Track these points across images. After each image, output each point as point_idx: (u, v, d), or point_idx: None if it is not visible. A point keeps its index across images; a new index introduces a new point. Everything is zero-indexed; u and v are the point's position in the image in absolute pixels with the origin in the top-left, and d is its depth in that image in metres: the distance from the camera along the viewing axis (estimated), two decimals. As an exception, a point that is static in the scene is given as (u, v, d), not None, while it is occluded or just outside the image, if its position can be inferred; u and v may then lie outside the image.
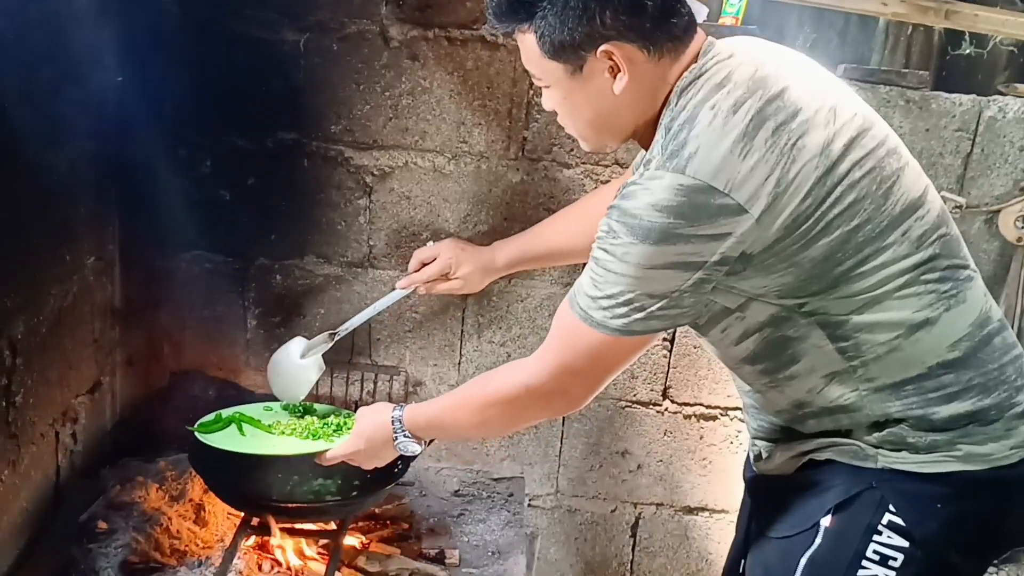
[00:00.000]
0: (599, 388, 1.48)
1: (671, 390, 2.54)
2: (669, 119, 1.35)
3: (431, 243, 2.09)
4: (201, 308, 2.48)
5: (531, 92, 2.29)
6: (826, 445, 1.45)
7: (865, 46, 2.62)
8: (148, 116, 2.22)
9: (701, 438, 2.57)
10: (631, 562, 2.71)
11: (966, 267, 1.42)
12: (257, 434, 1.96)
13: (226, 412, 2.01)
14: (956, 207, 2.37)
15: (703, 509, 2.64)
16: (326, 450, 1.83)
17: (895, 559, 1.37)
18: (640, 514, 2.66)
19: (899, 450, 1.38)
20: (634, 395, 2.55)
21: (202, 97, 2.26)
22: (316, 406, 2.12)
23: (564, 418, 2.56)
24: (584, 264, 1.43)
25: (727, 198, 1.26)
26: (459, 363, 2.50)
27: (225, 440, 1.91)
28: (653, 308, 1.33)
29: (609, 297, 1.34)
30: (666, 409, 2.56)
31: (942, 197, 2.32)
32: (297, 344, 2.14)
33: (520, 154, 2.34)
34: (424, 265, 2.06)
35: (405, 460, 2.10)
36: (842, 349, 1.36)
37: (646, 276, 1.31)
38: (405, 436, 1.69)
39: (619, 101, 1.39)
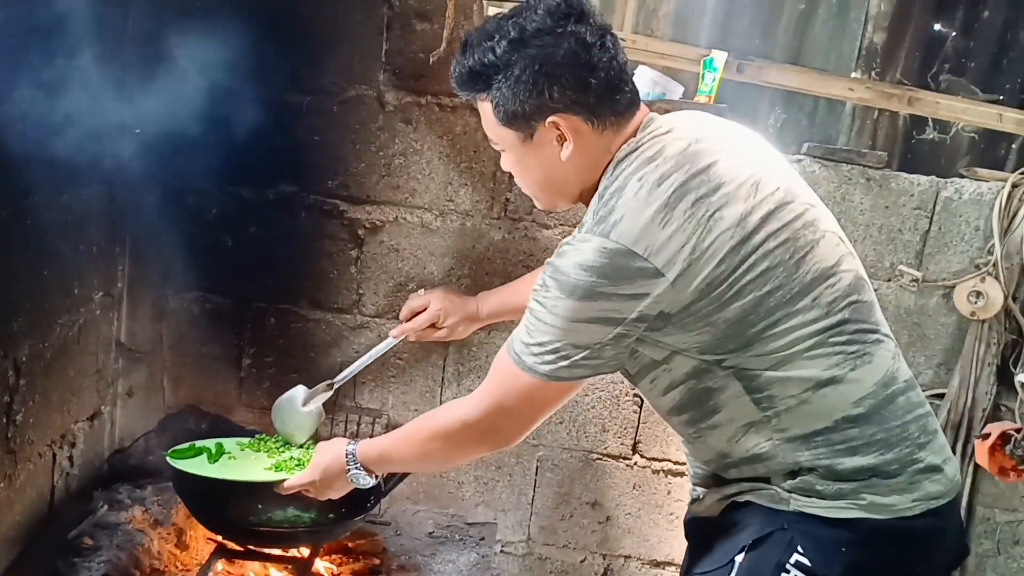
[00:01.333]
0: (530, 428, 1.60)
1: (640, 444, 2.65)
2: (604, 187, 1.48)
3: (422, 291, 2.24)
4: (200, 346, 2.63)
5: (514, 157, 2.47)
6: (747, 489, 1.55)
7: (833, 128, 2.77)
8: (160, 166, 2.41)
9: (668, 493, 2.67)
10: (599, 613, 2.78)
11: (876, 331, 1.52)
12: (225, 463, 2.11)
13: (200, 443, 2.17)
14: (913, 280, 2.50)
15: (669, 563, 2.72)
16: (283, 480, 1.96)
17: None
18: (609, 565, 2.74)
19: (809, 496, 1.48)
20: (605, 448, 2.66)
21: (211, 150, 2.44)
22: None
23: (537, 467, 2.68)
24: None
25: (645, 262, 1.39)
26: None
27: (192, 465, 2.08)
28: (577, 357, 1.45)
29: (539, 344, 1.47)
30: (635, 463, 2.67)
31: (900, 271, 2.49)
32: (299, 392, 2.24)
33: (503, 214, 2.51)
34: (415, 314, 2.20)
35: (377, 495, 2.23)
36: (757, 400, 1.47)
37: (571, 328, 1.44)
38: (357, 468, 1.81)
39: (565, 167, 1.53)
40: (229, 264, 2.56)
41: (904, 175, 2.49)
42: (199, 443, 2.16)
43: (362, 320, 2.58)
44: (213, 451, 2.13)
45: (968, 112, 2.63)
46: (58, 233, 2.14)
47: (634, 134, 1.53)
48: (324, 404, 2.22)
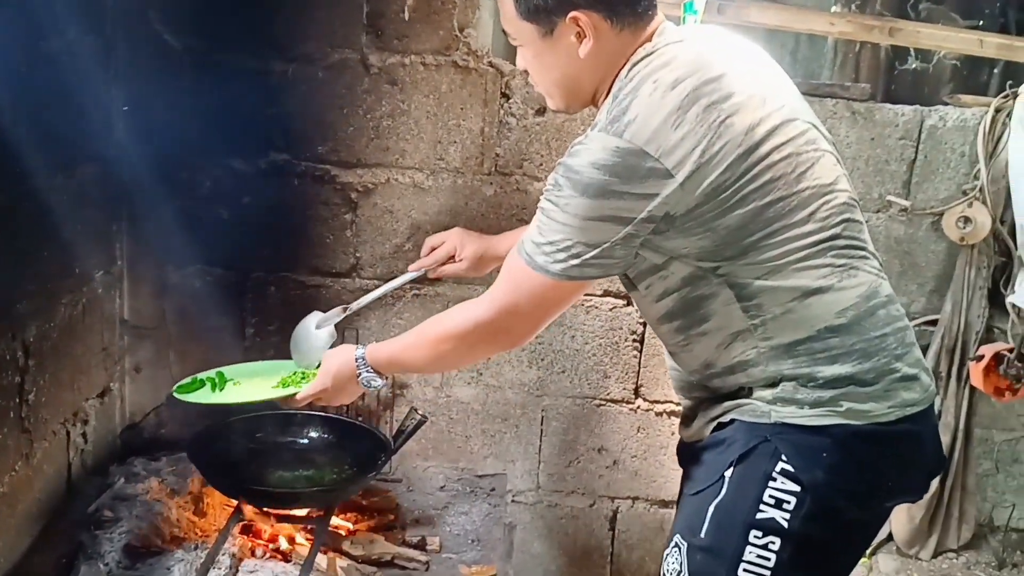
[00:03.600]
0: (540, 327, 1.66)
1: (643, 388, 2.70)
2: (618, 88, 1.52)
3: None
4: (203, 319, 2.66)
5: (501, 112, 2.49)
6: (731, 407, 1.61)
7: (816, 63, 2.79)
8: (152, 142, 2.43)
9: (672, 434, 2.72)
10: (611, 554, 2.85)
11: (863, 249, 1.58)
12: (230, 388, 2.15)
13: (203, 375, 2.19)
14: (902, 210, 2.53)
15: (676, 502, 2.77)
16: (295, 393, 1.98)
17: (788, 502, 1.52)
18: (617, 508, 2.80)
19: (789, 404, 1.54)
20: (607, 394, 2.70)
21: (201, 124, 2.46)
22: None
23: (542, 417, 2.72)
24: None
25: (657, 162, 1.43)
26: (442, 366, 2.67)
27: (200, 396, 2.12)
28: (588, 256, 1.49)
29: (551, 243, 1.51)
30: (639, 407, 2.71)
31: (888, 202, 2.51)
32: (313, 317, 2.25)
33: (493, 169, 2.53)
34: (433, 251, 2.22)
35: (387, 452, 2.27)
36: (746, 309, 1.53)
37: (583, 226, 1.48)
38: (368, 371, 1.85)
39: (583, 65, 1.56)
40: (226, 236, 2.58)
41: (888, 106, 2.51)
42: (201, 375, 2.19)
43: (361, 283, 2.60)
44: (216, 380, 2.17)
45: (949, 39, 2.64)
46: (56, 214, 2.17)
47: (649, 39, 1.56)
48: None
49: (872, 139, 2.51)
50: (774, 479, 1.52)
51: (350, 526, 2.35)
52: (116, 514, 2.20)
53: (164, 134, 2.43)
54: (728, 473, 1.57)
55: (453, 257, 2.20)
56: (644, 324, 2.64)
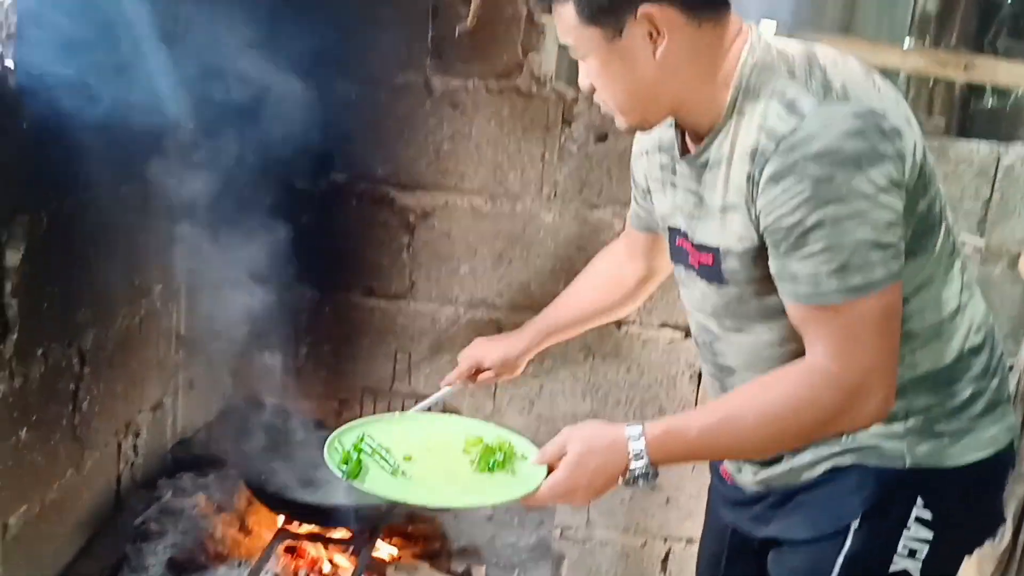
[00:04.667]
0: (895, 368, 1.32)
1: (699, 425, 2.62)
2: (779, 80, 1.30)
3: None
4: (257, 336, 2.67)
5: (563, 138, 2.47)
6: (850, 448, 1.44)
7: (888, 97, 2.72)
8: (216, 159, 2.45)
9: (729, 474, 2.64)
10: (661, 597, 2.76)
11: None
12: (408, 468, 1.56)
13: (348, 440, 1.60)
14: (977, 249, 2.44)
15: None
16: (531, 493, 1.42)
17: (920, 551, 1.41)
18: (670, 549, 2.72)
19: (924, 444, 1.41)
20: (662, 429, 2.63)
21: (264, 142, 2.48)
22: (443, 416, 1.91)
23: (594, 450, 2.66)
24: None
25: (889, 122, 1.27)
26: (494, 392, 2.64)
27: (391, 489, 1.50)
28: (898, 239, 1.27)
29: (854, 251, 1.25)
30: (694, 444, 2.64)
31: (963, 241, 2.41)
32: None
33: (552, 195, 2.50)
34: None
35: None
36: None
37: (879, 203, 1.24)
38: (643, 462, 1.35)
39: (660, 69, 1.34)
40: (284, 254, 2.58)
41: (963, 142, 2.44)
42: (344, 439, 1.60)
43: (415, 306, 2.59)
44: (383, 456, 1.57)
45: (1029, 76, 2.56)
46: (120, 225, 2.19)
47: (738, 37, 1.36)
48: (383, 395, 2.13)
49: (946, 176, 2.42)
50: (908, 528, 1.41)
51: (395, 552, 2.31)
52: (162, 528, 2.20)
53: (228, 152, 2.45)
54: (855, 524, 1.44)
55: (480, 369, 1.94)
56: (702, 358, 2.57)
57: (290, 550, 2.21)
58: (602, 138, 2.46)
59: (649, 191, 1.64)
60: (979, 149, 2.43)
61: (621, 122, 1.44)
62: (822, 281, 1.27)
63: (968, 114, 2.74)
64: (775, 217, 1.28)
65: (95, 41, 1.88)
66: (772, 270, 1.33)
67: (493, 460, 1.55)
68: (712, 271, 1.43)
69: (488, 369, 1.94)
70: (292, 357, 2.67)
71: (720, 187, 1.37)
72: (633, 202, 1.78)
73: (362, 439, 1.59)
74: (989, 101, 2.70)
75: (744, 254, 1.37)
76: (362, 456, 1.54)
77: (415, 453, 1.59)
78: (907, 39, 2.73)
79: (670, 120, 1.47)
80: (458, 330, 2.59)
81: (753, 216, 1.33)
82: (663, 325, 2.57)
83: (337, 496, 2.24)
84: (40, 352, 1.89)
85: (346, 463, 1.52)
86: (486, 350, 1.96)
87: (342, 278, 2.61)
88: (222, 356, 2.70)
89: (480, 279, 2.56)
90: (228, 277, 2.63)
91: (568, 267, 2.50)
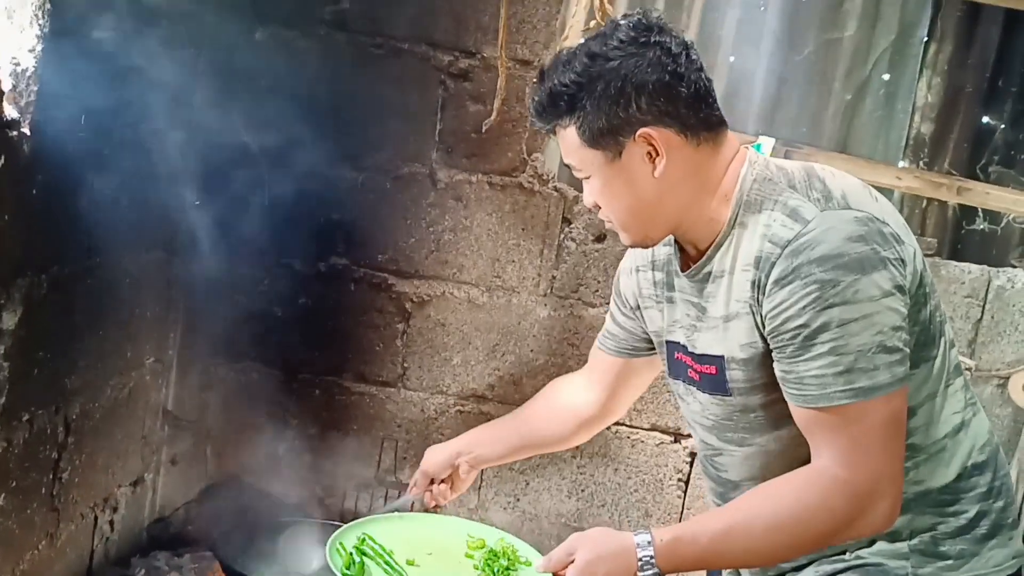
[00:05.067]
0: (901, 472, 1.33)
1: (684, 532, 2.59)
2: (780, 191, 1.35)
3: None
4: (245, 415, 2.65)
5: (562, 235, 2.50)
6: (852, 565, 1.41)
7: (881, 215, 2.78)
8: (217, 236, 2.47)
9: (713, 584, 2.59)
10: None
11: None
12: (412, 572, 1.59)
13: (349, 541, 1.60)
14: (967, 370, 2.45)
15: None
16: None
17: None
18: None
19: (928, 565, 1.39)
20: (647, 534, 2.60)
21: (266, 222, 2.51)
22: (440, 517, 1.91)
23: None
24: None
25: (890, 227, 1.31)
26: (479, 487, 2.61)
27: None
28: (902, 343, 1.28)
29: (860, 352, 1.26)
30: (679, 551, 2.60)
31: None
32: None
33: (549, 291, 2.53)
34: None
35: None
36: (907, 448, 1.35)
37: (884, 306, 1.26)
38: (650, 573, 1.34)
39: (659, 187, 1.39)
40: (278, 335, 2.60)
41: (955, 263, 2.49)
42: (345, 540, 1.61)
43: (406, 394, 2.58)
44: (388, 564, 1.57)
45: (1019, 203, 2.61)
46: (117, 295, 2.20)
47: (731, 162, 1.41)
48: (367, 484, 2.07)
49: (937, 294, 2.46)
50: None
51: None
52: (132, 607, 2.14)
53: (230, 229, 2.48)
54: None
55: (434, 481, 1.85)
56: (690, 463, 2.55)
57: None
58: (600, 238, 2.50)
59: (639, 308, 1.63)
60: (969, 270, 2.47)
61: (625, 239, 1.48)
62: (828, 383, 1.28)
63: (960, 236, 2.79)
64: (781, 320, 1.30)
65: (112, 114, 1.92)
66: (778, 374, 1.34)
67: (497, 567, 1.55)
68: (716, 381, 1.44)
69: (443, 481, 1.84)
70: (278, 440, 2.65)
71: (723, 297, 1.40)
72: (609, 322, 1.73)
73: (363, 541, 1.58)
74: (981, 225, 2.76)
75: (748, 361, 1.38)
76: (365, 559, 1.53)
77: (418, 557, 1.58)
78: (901, 161, 2.80)
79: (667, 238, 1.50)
80: (447, 420, 2.58)
81: (758, 321, 1.35)
82: (652, 428, 2.56)
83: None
84: (26, 418, 1.87)
85: (349, 568, 1.51)
86: (431, 458, 1.86)
87: (335, 362, 2.61)
88: (207, 434, 2.68)
89: (472, 370, 2.57)
90: (220, 354, 2.64)
91: (560, 363, 2.51)
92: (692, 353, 1.48)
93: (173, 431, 2.64)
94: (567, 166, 1.49)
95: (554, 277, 2.52)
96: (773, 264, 1.31)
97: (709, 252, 1.42)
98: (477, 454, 1.83)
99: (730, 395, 1.43)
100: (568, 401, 1.82)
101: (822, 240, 1.27)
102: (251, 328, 2.58)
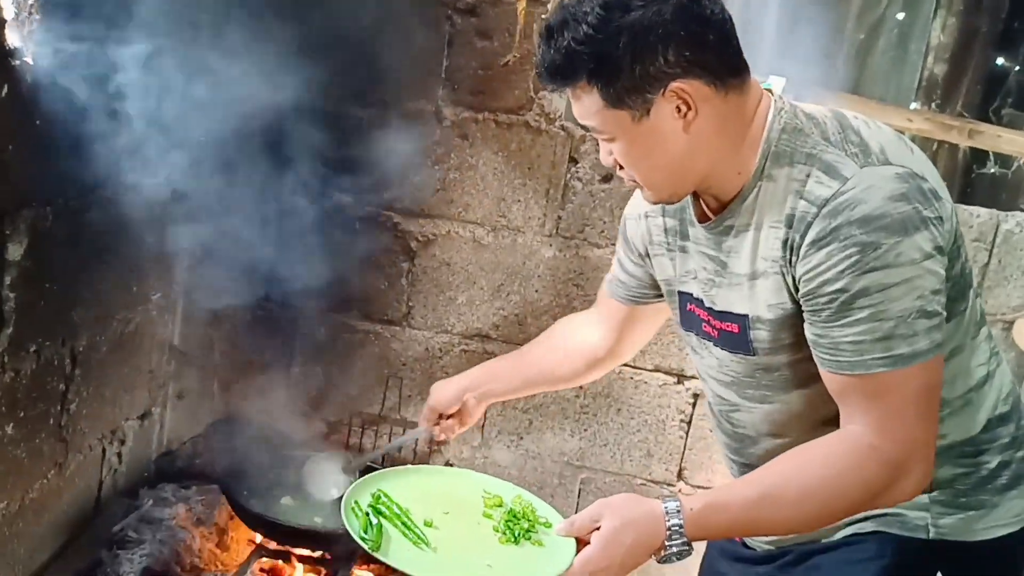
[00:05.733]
0: (934, 441, 1.30)
1: (686, 471, 2.62)
2: (813, 144, 1.29)
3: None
4: (250, 352, 2.67)
5: (568, 175, 2.49)
6: (874, 515, 1.41)
7: (891, 158, 2.76)
8: (220, 173, 2.47)
9: (713, 522, 2.62)
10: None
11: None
12: (431, 535, 1.53)
13: (364, 499, 1.57)
14: (972, 314, 2.45)
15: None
16: (565, 571, 1.37)
17: None
18: (650, 595, 2.69)
19: (948, 516, 1.39)
20: (649, 473, 2.63)
21: (269, 159, 2.50)
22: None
23: (580, 489, 2.65)
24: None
25: (929, 183, 1.26)
26: (483, 425, 2.63)
27: (415, 563, 1.45)
28: (938, 307, 1.24)
29: (901, 319, 1.22)
30: (680, 490, 2.63)
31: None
32: (327, 458, 2.10)
33: (555, 231, 2.52)
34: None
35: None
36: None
37: (925, 269, 1.22)
38: (682, 544, 1.30)
39: (691, 142, 1.31)
40: (283, 272, 2.59)
41: (963, 207, 2.46)
42: (358, 496, 1.58)
43: (410, 333, 2.59)
44: (405, 520, 1.54)
45: (1031, 146, 2.59)
46: (122, 230, 2.20)
47: (756, 108, 1.33)
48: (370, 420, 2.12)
49: (944, 238, 2.45)
50: None
51: (372, 577, 2.29)
52: (140, 536, 2.17)
53: (232, 166, 2.47)
54: None
55: (442, 416, 1.86)
56: (693, 404, 2.57)
57: (266, 569, 2.19)
58: (607, 178, 2.48)
59: (648, 255, 1.58)
60: (977, 213, 2.45)
61: (649, 196, 1.41)
62: (866, 350, 1.24)
63: (970, 179, 2.77)
64: (817, 283, 1.25)
65: (117, 43, 1.90)
66: (809, 337, 1.30)
67: (518, 529, 1.52)
68: (737, 339, 1.39)
69: (451, 416, 1.85)
70: (284, 376, 2.67)
71: (747, 253, 1.34)
72: (617, 268, 1.69)
73: (378, 498, 1.56)
74: (992, 168, 2.73)
75: (775, 321, 1.34)
76: (383, 521, 1.51)
77: (435, 517, 1.55)
78: (913, 103, 2.77)
79: None
80: (451, 359, 2.59)
81: (789, 282, 1.30)
82: (656, 369, 2.57)
83: (317, 518, 2.25)
84: (33, 349, 1.89)
85: (366, 531, 1.48)
86: (439, 393, 1.87)
87: (340, 300, 2.61)
88: (213, 370, 2.70)
89: (477, 310, 2.57)
90: (225, 291, 2.64)
91: (565, 304, 2.51)
92: (710, 309, 1.43)
93: (180, 366, 2.66)
94: (584, 128, 1.39)
95: (560, 217, 2.51)
96: (809, 224, 1.25)
97: (732, 205, 1.35)
98: (485, 389, 1.83)
99: (754, 355, 1.38)
100: (578, 340, 1.79)
101: (863, 199, 1.22)
102: (256, 265, 2.57)
